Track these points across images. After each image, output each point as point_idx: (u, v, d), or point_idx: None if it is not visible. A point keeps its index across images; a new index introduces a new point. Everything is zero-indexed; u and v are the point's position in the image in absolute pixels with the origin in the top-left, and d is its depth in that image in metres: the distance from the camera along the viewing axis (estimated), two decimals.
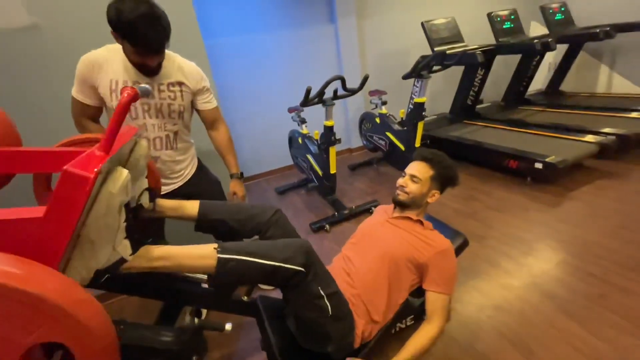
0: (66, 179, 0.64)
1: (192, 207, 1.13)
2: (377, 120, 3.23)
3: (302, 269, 0.92)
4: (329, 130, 2.43)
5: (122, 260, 0.82)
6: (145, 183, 1.01)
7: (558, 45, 3.27)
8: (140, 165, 0.96)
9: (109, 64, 1.18)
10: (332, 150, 2.49)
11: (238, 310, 1.19)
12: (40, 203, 1.12)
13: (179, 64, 1.30)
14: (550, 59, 4.38)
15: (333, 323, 1.02)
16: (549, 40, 3.03)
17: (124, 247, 0.81)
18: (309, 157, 2.85)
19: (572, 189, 2.46)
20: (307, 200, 2.99)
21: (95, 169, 0.66)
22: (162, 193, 1.34)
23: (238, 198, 1.53)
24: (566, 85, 4.34)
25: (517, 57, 3.81)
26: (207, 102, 1.41)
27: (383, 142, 3.23)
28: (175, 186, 1.43)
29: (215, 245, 0.91)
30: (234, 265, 0.88)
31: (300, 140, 3.00)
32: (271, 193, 3.28)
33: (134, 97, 0.80)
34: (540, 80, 4.49)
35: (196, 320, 0.95)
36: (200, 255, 0.90)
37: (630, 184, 2.43)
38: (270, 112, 3.46)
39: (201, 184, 1.51)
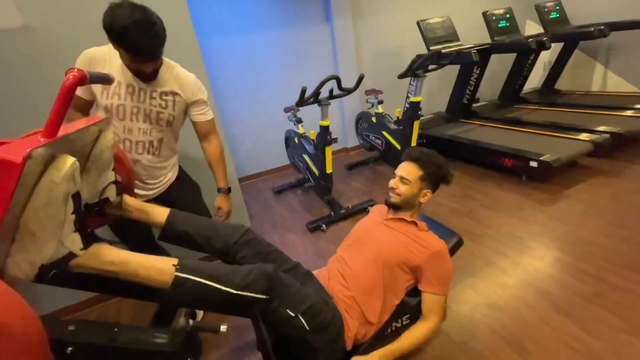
0: None
1: (160, 213, 1.08)
2: (374, 119, 3.23)
3: (265, 296, 0.87)
4: (325, 129, 2.43)
5: (71, 256, 0.76)
6: (111, 176, 0.96)
7: (553, 44, 3.28)
8: (105, 157, 0.92)
9: (107, 62, 1.19)
10: (328, 150, 2.49)
11: (233, 311, 1.18)
12: None
13: (177, 73, 1.30)
14: (546, 58, 4.40)
15: (315, 335, 0.99)
16: (544, 38, 3.03)
17: (73, 241, 0.75)
18: (305, 156, 2.84)
19: (567, 187, 2.48)
20: (304, 200, 2.99)
21: (24, 154, 0.58)
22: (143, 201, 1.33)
23: (223, 213, 1.51)
24: (561, 84, 4.37)
25: (512, 56, 3.83)
26: (202, 114, 1.40)
27: (379, 142, 3.23)
28: (154, 194, 1.41)
29: (176, 261, 0.85)
30: (190, 286, 0.82)
31: (296, 140, 2.99)
32: (267, 193, 3.27)
33: (80, 80, 0.74)
34: (535, 79, 4.51)
35: (191, 321, 0.93)
36: (157, 268, 0.83)
37: (624, 182, 2.45)
38: (266, 111, 3.46)
39: (180, 192, 1.48)
